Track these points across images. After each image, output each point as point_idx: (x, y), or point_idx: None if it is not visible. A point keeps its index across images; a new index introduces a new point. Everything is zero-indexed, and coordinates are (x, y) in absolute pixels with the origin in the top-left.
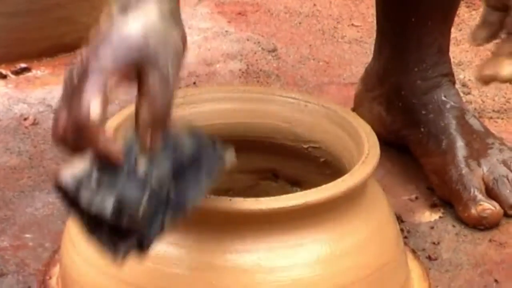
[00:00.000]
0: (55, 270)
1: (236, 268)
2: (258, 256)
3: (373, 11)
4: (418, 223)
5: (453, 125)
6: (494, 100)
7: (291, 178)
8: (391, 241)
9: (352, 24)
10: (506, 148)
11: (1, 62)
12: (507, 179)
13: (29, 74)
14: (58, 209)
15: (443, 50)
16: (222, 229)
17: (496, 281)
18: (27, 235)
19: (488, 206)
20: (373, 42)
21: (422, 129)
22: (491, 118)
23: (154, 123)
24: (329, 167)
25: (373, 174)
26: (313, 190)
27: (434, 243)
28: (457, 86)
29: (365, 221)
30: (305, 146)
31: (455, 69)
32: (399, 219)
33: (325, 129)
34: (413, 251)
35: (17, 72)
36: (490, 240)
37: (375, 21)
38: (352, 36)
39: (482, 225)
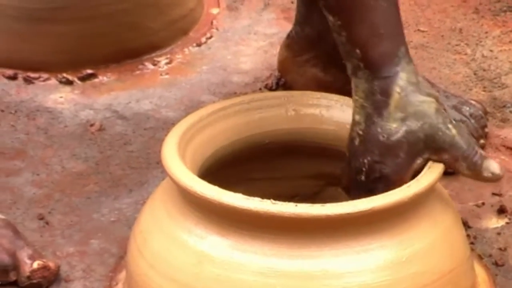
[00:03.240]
0: (121, 276)
1: (302, 273)
2: (324, 261)
3: (439, 16)
4: (484, 229)
5: None
6: None
7: None
8: (457, 246)
9: (419, 30)
10: (450, 95)
11: (67, 69)
12: (462, 123)
13: (95, 80)
14: (124, 215)
15: None
16: (288, 234)
17: None
18: (93, 241)
19: None
20: (439, 47)
21: None
22: None
23: None
24: None
25: (438, 180)
26: (380, 195)
27: (500, 248)
28: None
29: (431, 227)
30: None
31: None
32: (466, 225)
33: None
34: (480, 257)
35: (83, 78)
36: None
37: (441, 27)
38: (418, 42)
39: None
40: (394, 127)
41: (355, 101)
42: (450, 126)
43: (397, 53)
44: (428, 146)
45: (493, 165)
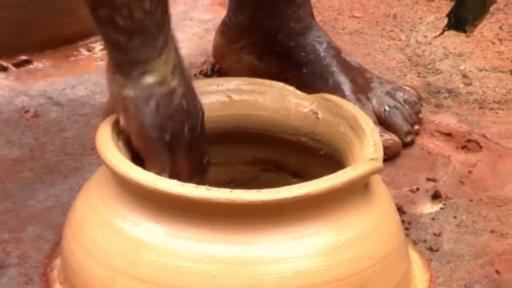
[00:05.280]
0: (57, 262)
1: (237, 259)
2: (259, 247)
3: (374, 2)
4: (419, 214)
5: (334, 63)
6: (495, 91)
7: (293, 170)
8: (392, 232)
9: (353, 16)
10: (384, 80)
11: (2, 55)
12: (396, 108)
13: (30, 66)
14: (59, 201)
15: None
16: (224, 220)
17: (497, 272)
18: (29, 228)
19: (388, 136)
20: (374, 33)
21: (304, 70)
22: (492, 109)
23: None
24: (330, 160)
25: (377, 172)
26: (315, 181)
27: (435, 234)
28: (458, 77)
29: (366, 213)
30: (304, 139)
31: (456, 60)
32: (400, 211)
33: (326, 121)
34: (414, 242)
35: (18, 65)
36: (491, 231)
37: (376, 12)
38: (353, 28)
39: (386, 155)
40: None
41: None
42: None
43: None
44: None
45: None
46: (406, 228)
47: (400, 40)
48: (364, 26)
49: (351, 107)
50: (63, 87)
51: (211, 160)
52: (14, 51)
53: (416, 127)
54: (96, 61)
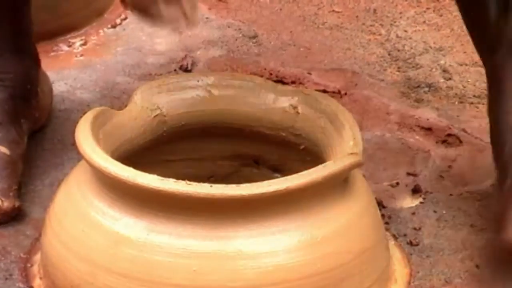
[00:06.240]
0: (37, 258)
1: (217, 254)
2: (239, 242)
3: None
4: (399, 209)
5: None
6: (475, 85)
7: (273, 165)
8: (372, 227)
9: (333, 10)
10: None
11: None
12: None
13: None
14: (39, 196)
15: None
16: (203, 215)
17: (477, 266)
18: (8, 223)
19: None
20: (354, 28)
21: None
22: (472, 103)
23: None
24: (309, 154)
25: (357, 164)
26: (294, 175)
27: (415, 228)
28: (438, 71)
29: (346, 207)
30: (284, 134)
31: (436, 54)
32: (380, 205)
33: (305, 116)
34: (394, 237)
35: None
36: (471, 226)
37: (356, 7)
38: (333, 22)
39: None
40: None
41: None
42: None
43: None
44: None
45: None
46: (386, 223)
47: (380, 34)
48: (344, 20)
49: (331, 102)
50: None
51: (191, 155)
52: None
53: None
54: (76, 56)
